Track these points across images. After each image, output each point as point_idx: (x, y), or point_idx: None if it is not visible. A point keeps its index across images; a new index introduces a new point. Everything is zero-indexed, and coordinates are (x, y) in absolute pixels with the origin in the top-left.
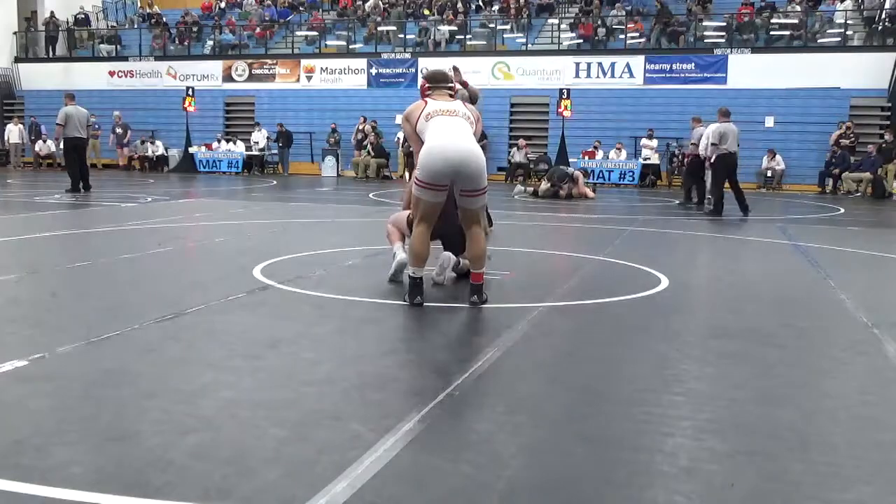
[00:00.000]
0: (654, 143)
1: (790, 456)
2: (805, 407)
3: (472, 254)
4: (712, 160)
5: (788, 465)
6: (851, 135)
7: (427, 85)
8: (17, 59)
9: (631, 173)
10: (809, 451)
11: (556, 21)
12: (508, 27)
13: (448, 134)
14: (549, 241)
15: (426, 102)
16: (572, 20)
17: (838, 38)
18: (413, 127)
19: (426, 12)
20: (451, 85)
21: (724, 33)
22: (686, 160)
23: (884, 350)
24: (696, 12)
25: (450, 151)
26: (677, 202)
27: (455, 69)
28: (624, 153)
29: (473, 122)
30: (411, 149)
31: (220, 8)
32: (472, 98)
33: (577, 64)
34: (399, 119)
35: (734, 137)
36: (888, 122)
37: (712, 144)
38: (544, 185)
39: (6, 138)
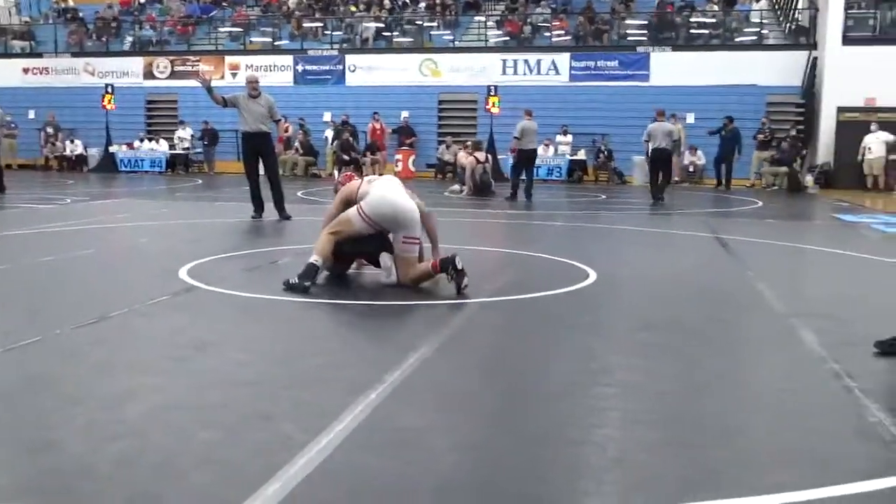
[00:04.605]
0: (569, 138)
1: (715, 444)
2: (728, 397)
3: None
4: (514, 153)
5: (713, 453)
6: (767, 130)
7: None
8: None
9: (558, 169)
10: (733, 439)
11: (482, 18)
12: (435, 24)
13: (393, 190)
14: (480, 237)
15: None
16: (499, 18)
17: (755, 37)
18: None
19: (353, 9)
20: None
21: (646, 32)
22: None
23: (800, 338)
24: (618, 11)
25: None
26: (504, 198)
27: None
28: (552, 149)
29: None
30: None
31: (139, 3)
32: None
33: (504, 61)
34: (327, 117)
35: (534, 135)
36: (802, 118)
37: (514, 138)
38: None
39: None
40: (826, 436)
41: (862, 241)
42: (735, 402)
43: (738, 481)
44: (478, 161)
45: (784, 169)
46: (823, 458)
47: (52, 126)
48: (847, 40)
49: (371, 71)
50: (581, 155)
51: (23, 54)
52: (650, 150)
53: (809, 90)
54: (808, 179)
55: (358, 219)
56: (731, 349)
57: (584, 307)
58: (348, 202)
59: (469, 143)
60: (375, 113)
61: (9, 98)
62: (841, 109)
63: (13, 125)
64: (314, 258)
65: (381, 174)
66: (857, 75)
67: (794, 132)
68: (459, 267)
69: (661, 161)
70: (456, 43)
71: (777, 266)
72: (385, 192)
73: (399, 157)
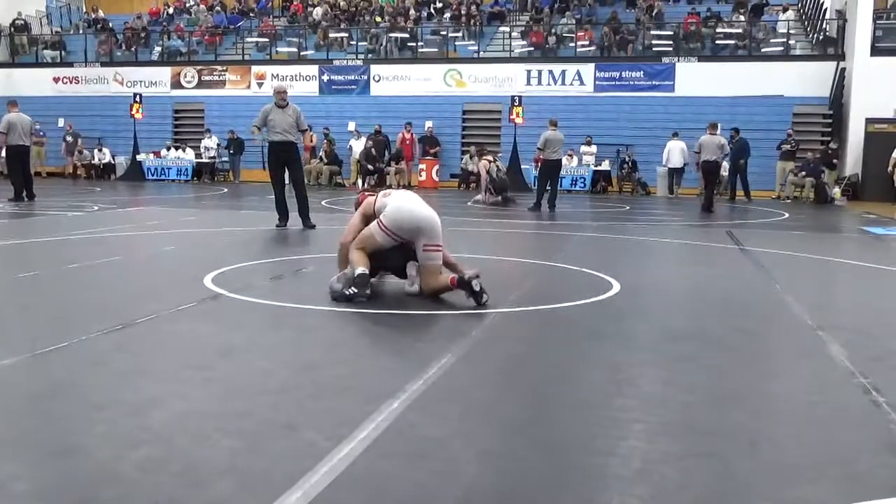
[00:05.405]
0: (594, 149)
1: (741, 456)
2: (754, 408)
3: (438, 284)
4: (538, 164)
5: (739, 465)
6: (793, 141)
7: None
8: None
9: (582, 179)
10: (759, 450)
11: (507, 29)
12: (460, 35)
13: (410, 200)
14: (503, 247)
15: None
16: (523, 28)
17: (781, 48)
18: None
19: (378, 19)
20: None
21: (671, 42)
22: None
23: (828, 351)
24: (644, 21)
25: (416, 210)
26: (528, 208)
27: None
28: (575, 160)
29: None
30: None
31: (168, 14)
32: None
33: (529, 71)
34: (352, 126)
35: (558, 145)
36: (829, 129)
37: (538, 149)
38: (490, 197)
39: None
40: (854, 450)
41: (891, 254)
42: (761, 415)
43: (764, 494)
44: (489, 162)
45: (810, 180)
46: (851, 472)
47: (71, 135)
48: (876, 51)
49: (395, 81)
50: (605, 165)
51: (53, 64)
52: (700, 162)
53: (837, 101)
54: (836, 191)
55: (380, 232)
56: (757, 361)
57: (608, 318)
58: (368, 217)
59: (475, 150)
60: (408, 123)
61: (40, 106)
62: (869, 121)
63: (41, 133)
64: (360, 269)
65: (404, 184)
66: (885, 86)
67: (834, 145)
68: (477, 289)
69: (710, 173)
70: (480, 53)
71: (804, 278)
72: (402, 202)
73: (423, 166)
